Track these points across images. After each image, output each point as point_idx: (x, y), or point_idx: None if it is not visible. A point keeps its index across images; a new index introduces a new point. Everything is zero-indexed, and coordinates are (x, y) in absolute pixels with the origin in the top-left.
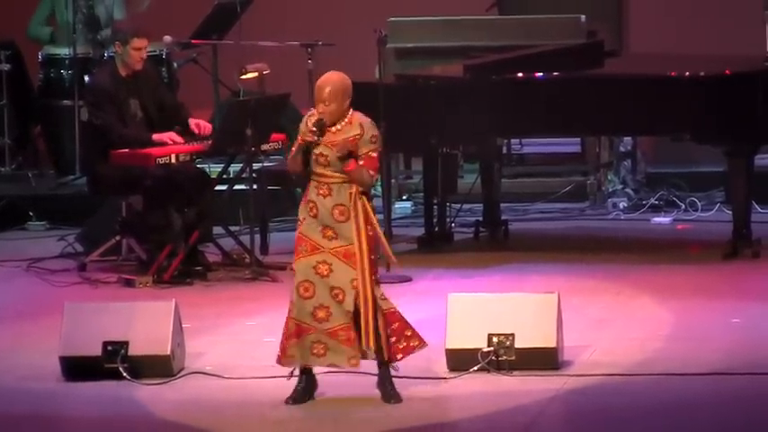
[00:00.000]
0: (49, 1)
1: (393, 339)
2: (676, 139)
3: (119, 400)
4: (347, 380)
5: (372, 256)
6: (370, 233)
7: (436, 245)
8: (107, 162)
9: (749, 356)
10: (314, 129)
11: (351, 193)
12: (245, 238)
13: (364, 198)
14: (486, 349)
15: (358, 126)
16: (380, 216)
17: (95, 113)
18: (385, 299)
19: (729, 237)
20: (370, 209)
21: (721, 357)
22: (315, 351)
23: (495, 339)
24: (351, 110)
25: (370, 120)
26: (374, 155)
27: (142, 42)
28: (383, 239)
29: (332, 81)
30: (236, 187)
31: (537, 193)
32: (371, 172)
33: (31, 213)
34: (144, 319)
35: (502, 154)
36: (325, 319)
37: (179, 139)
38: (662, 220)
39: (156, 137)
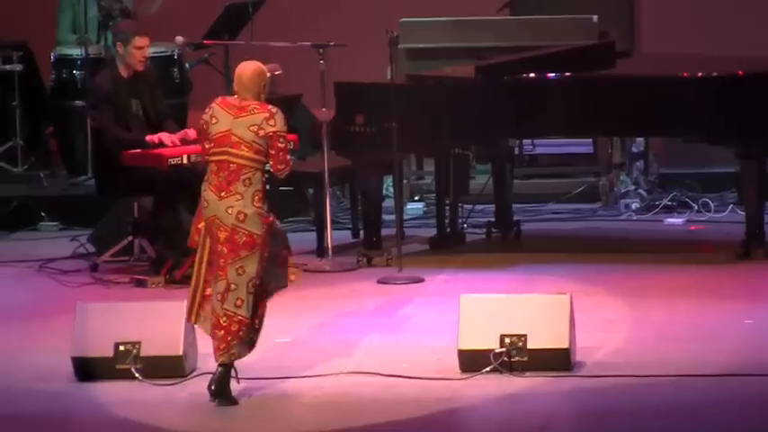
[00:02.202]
0: (69, 5)
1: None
2: (688, 140)
3: (131, 401)
4: (355, 381)
5: None
6: None
7: (448, 246)
8: (115, 164)
9: (762, 357)
10: None
11: None
12: None
13: None
14: (498, 350)
15: None
16: (392, 217)
17: (93, 115)
18: None
19: (742, 238)
20: None
21: (734, 358)
22: None
23: (507, 340)
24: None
25: None
26: None
27: (144, 41)
28: None
29: None
30: None
31: (549, 194)
32: None
33: (43, 214)
34: (156, 320)
35: (514, 155)
36: None
37: (169, 139)
38: (674, 221)
39: (148, 138)
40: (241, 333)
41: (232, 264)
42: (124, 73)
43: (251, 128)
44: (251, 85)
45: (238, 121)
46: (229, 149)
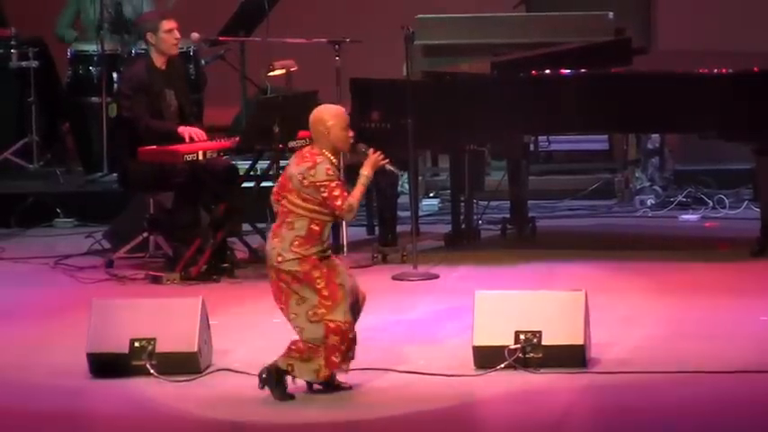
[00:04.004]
0: (74, 1)
1: None
2: (704, 137)
3: (146, 397)
4: (370, 377)
5: None
6: None
7: (463, 242)
8: (138, 158)
9: None
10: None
11: None
12: None
13: None
14: (513, 346)
15: None
16: (407, 213)
17: (126, 104)
18: None
19: (757, 234)
20: None
21: (749, 355)
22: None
23: (522, 337)
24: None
25: None
26: None
27: (171, 24)
28: None
29: None
30: (264, 184)
31: (564, 191)
32: None
33: (58, 210)
34: (171, 316)
35: (529, 151)
36: None
37: (200, 135)
38: (690, 217)
39: (180, 130)
40: (296, 355)
41: (292, 296)
42: (158, 63)
43: (298, 176)
44: (312, 130)
45: (295, 169)
46: (287, 194)
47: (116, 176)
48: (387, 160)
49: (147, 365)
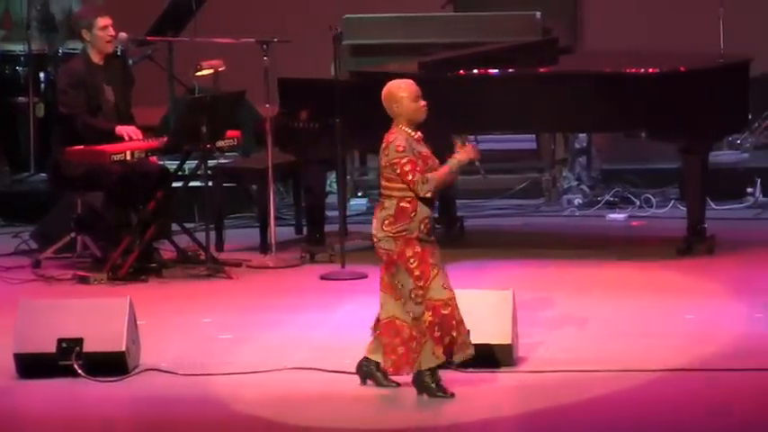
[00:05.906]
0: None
1: None
2: (631, 136)
3: (73, 398)
4: (297, 377)
5: None
6: None
7: None
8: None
9: (703, 352)
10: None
11: None
12: (201, 235)
13: None
14: None
15: None
16: (335, 212)
17: (63, 100)
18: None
19: (684, 233)
20: None
21: (676, 354)
22: None
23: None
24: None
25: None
26: None
27: (106, 20)
28: None
29: None
30: (192, 184)
31: (492, 190)
32: None
33: None
34: (99, 316)
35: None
36: None
37: (138, 134)
38: (617, 216)
39: (118, 129)
40: (424, 340)
41: (391, 281)
42: (96, 59)
43: (381, 158)
44: (386, 108)
45: (380, 152)
46: (382, 178)
47: (44, 176)
48: (479, 156)
49: (75, 365)
